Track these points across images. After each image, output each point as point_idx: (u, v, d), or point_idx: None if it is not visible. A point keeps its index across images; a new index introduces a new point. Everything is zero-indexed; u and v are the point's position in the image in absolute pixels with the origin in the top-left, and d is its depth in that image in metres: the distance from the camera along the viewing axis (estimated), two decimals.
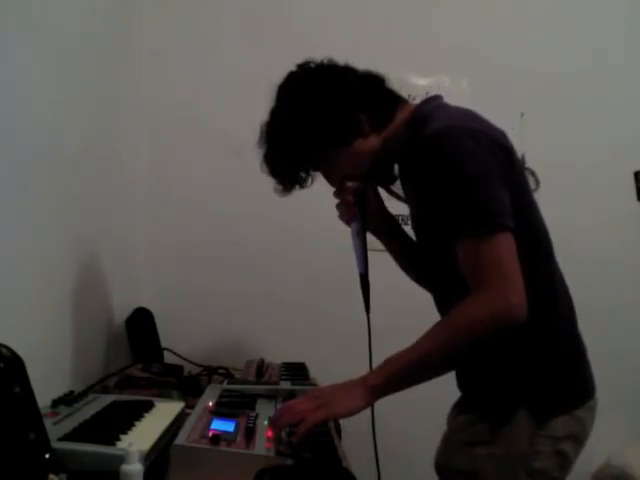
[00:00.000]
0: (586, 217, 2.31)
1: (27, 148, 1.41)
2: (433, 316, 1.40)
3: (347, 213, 1.41)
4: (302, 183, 1.37)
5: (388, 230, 1.50)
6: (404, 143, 1.27)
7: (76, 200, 1.72)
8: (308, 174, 1.36)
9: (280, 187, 1.37)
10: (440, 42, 2.31)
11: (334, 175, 1.36)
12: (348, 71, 1.32)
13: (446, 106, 1.30)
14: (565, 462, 1.26)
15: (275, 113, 1.31)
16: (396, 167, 1.38)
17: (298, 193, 2.31)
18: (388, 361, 1.16)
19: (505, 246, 1.11)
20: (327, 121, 1.26)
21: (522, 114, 2.29)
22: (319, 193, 2.30)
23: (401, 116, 1.31)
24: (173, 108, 2.33)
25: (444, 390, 1.40)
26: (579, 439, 1.27)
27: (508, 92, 2.31)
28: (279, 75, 2.33)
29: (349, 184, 1.37)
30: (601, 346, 2.19)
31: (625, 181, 2.38)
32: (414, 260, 1.48)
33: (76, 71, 1.70)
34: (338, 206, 1.43)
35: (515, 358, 1.23)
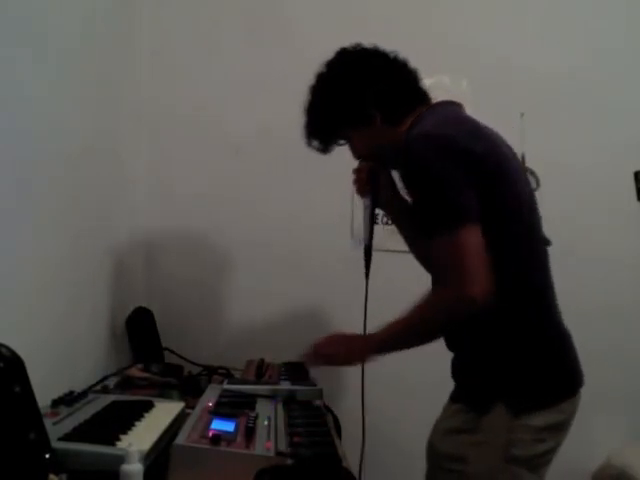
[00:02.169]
0: (586, 217, 2.31)
1: (27, 148, 1.42)
2: None
3: (360, 189, 1.57)
4: (335, 147, 1.52)
5: (397, 208, 1.59)
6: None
7: (76, 200, 1.72)
8: (340, 142, 1.52)
9: (319, 148, 1.52)
10: (440, 42, 2.30)
11: (353, 150, 1.52)
12: (383, 63, 1.43)
13: (435, 112, 1.39)
14: (547, 449, 1.31)
15: (313, 88, 1.47)
16: None
17: (299, 193, 2.33)
18: (388, 325, 1.34)
19: (466, 241, 1.21)
20: (347, 104, 1.42)
21: (522, 114, 2.28)
22: (320, 193, 2.32)
23: (414, 115, 1.42)
24: (173, 108, 2.33)
25: (439, 381, 1.43)
26: (561, 428, 1.33)
27: (508, 92, 2.31)
28: (279, 75, 2.34)
29: (363, 164, 1.54)
30: (601, 346, 2.21)
31: (625, 181, 2.37)
32: (419, 238, 1.56)
33: (76, 71, 1.70)
34: (354, 182, 1.58)
35: (499, 352, 1.31)
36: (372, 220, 1.56)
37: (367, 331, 1.47)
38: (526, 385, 1.29)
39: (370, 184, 1.54)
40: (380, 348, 1.37)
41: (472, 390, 1.35)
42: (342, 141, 1.51)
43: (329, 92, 1.43)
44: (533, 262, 1.35)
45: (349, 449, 1.29)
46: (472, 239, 1.21)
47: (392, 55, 1.44)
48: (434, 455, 1.39)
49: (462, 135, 1.28)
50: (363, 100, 1.40)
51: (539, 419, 1.27)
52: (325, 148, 1.51)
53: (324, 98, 1.45)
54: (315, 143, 1.50)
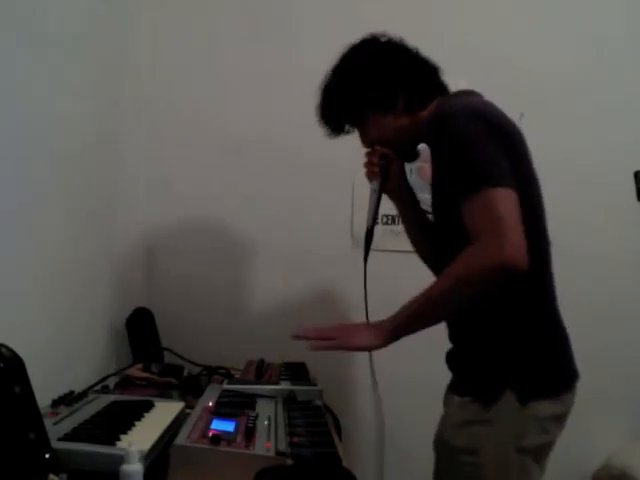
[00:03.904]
0: (586, 217, 2.31)
1: (27, 148, 1.42)
2: None
3: (369, 171, 1.56)
4: (346, 133, 1.53)
5: (404, 197, 1.61)
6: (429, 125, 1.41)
7: (76, 200, 1.72)
8: (350, 127, 1.52)
9: (327, 132, 1.52)
10: (440, 42, 2.29)
11: (366, 137, 1.52)
12: (409, 54, 1.47)
13: (464, 94, 1.44)
14: (549, 440, 1.33)
15: (335, 69, 1.47)
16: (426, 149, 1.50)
17: (299, 193, 2.33)
18: (402, 307, 1.30)
19: (503, 200, 1.19)
20: (369, 89, 1.42)
21: (522, 114, 2.28)
22: (320, 193, 2.32)
23: (435, 104, 1.44)
24: (173, 108, 2.33)
25: (440, 380, 1.44)
26: (561, 419, 1.35)
27: (508, 92, 2.30)
28: (280, 75, 2.34)
29: (378, 147, 1.52)
30: (601, 345, 2.21)
31: (625, 181, 2.37)
32: (423, 234, 1.60)
33: (76, 70, 1.70)
34: (364, 164, 1.57)
35: (503, 342, 1.32)
36: (378, 204, 1.55)
37: (370, 320, 1.44)
38: (532, 372, 1.31)
39: (381, 168, 1.53)
40: (397, 329, 1.30)
41: (479, 380, 1.34)
42: (351, 127, 1.51)
43: (354, 72, 1.44)
44: (542, 254, 1.35)
45: (349, 449, 1.29)
46: (509, 201, 1.19)
47: (416, 49, 1.48)
48: (445, 449, 1.38)
49: (499, 113, 1.33)
50: (389, 83, 1.42)
51: (544, 409, 1.29)
52: (337, 131, 1.51)
53: (349, 78, 1.44)
54: (329, 124, 1.49)
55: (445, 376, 1.45)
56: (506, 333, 1.32)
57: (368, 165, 1.56)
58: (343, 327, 1.40)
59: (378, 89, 1.42)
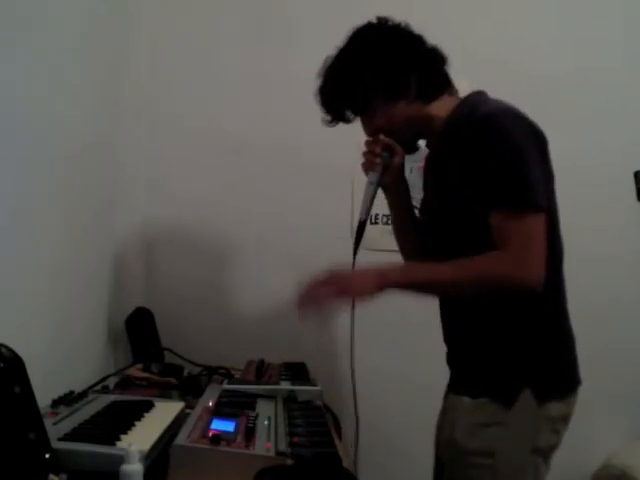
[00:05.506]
0: (586, 217, 2.30)
1: (27, 148, 1.41)
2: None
3: (369, 162, 1.48)
4: (346, 121, 1.47)
5: (400, 193, 1.55)
6: (447, 125, 1.37)
7: (76, 200, 1.72)
8: (353, 114, 1.45)
9: (327, 118, 1.46)
10: (440, 42, 2.29)
11: (371, 125, 1.44)
12: (417, 39, 1.42)
13: (487, 97, 1.41)
14: (558, 442, 1.34)
15: (341, 52, 1.42)
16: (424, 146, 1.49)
17: (299, 193, 2.33)
18: (411, 268, 1.35)
19: (538, 226, 1.23)
20: (381, 73, 1.36)
21: None
22: (320, 193, 2.32)
23: (450, 102, 1.40)
24: (173, 108, 2.33)
25: (440, 381, 1.44)
26: (567, 420, 1.35)
27: (508, 92, 2.30)
28: (280, 75, 2.34)
29: (381, 137, 1.44)
30: (601, 346, 2.21)
31: (625, 181, 2.37)
32: (412, 234, 1.57)
33: (76, 70, 1.70)
34: (364, 154, 1.49)
35: (519, 343, 1.32)
36: (373, 197, 1.48)
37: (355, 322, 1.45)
38: (548, 372, 1.32)
39: (382, 159, 1.45)
40: (398, 285, 1.27)
41: (496, 380, 1.33)
42: (354, 115, 1.44)
43: (363, 55, 1.37)
44: (558, 260, 1.35)
45: (349, 449, 1.29)
46: (542, 228, 1.23)
47: (423, 36, 1.43)
48: (459, 452, 1.34)
49: (533, 121, 1.32)
50: (400, 66, 1.36)
51: (556, 409, 1.30)
52: (338, 119, 1.45)
53: (357, 61, 1.37)
54: (331, 111, 1.43)
55: (444, 376, 1.45)
56: (522, 334, 1.32)
57: (368, 155, 1.46)
58: (339, 275, 1.29)
59: (389, 72, 1.36)
